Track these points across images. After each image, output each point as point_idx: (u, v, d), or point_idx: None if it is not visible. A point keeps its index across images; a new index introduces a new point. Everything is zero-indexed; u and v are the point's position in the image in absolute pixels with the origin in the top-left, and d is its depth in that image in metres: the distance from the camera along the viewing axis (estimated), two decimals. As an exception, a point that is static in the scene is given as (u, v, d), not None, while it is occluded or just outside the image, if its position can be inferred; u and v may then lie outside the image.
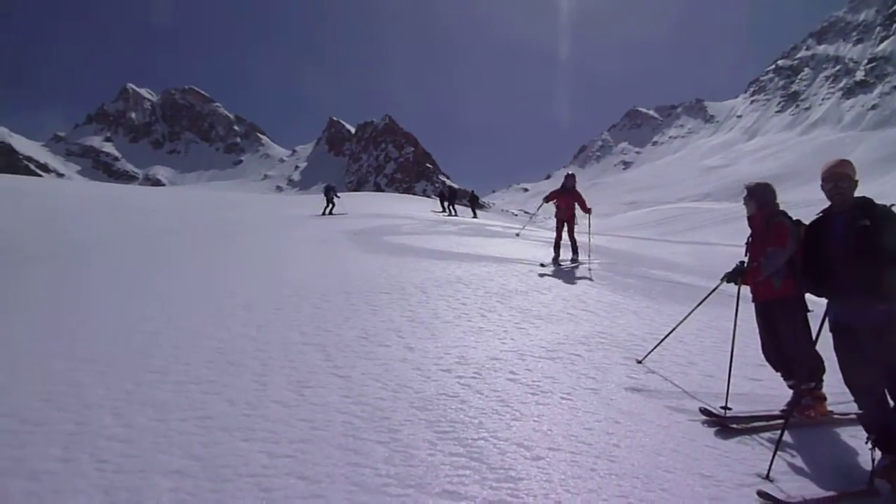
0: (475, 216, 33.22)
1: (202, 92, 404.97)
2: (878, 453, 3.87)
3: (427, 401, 4.62)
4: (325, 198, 27.40)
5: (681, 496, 3.48)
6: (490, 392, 4.84)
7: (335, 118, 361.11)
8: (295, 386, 4.89)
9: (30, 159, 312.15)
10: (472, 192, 37.12)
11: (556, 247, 12.67)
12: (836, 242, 3.89)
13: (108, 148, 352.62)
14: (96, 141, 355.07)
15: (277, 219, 23.50)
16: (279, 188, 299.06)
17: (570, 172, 13.45)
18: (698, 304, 6.26)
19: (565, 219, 12.57)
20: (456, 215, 30.67)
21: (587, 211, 12.61)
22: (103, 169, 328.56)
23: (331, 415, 4.35)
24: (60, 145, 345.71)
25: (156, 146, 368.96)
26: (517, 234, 13.10)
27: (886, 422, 3.80)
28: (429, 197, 37.45)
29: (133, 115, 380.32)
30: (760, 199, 5.19)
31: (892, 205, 3.85)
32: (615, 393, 5.06)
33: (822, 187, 4.05)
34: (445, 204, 32.82)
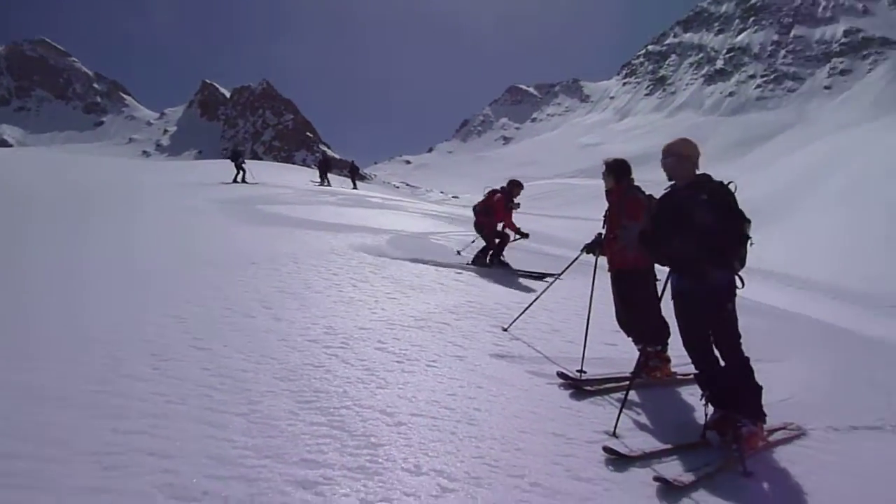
0: (355, 187, 32.88)
1: (56, 45, 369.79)
2: (710, 408, 4.23)
3: (291, 371, 4.52)
4: (233, 164, 25.28)
5: (534, 454, 3.64)
6: (357, 361, 4.81)
7: (208, 80, 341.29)
8: (151, 360, 4.62)
9: None
10: (353, 162, 36.66)
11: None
12: (678, 215, 4.16)
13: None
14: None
15: (143, 186, 22.07)
16: (146, 153, 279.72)
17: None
18: (559, 274, 6.57)
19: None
20: (329, 185, 29.84)
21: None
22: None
23: (188, 388, 4.15)
24: None
25: (1, 103, 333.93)
26: (458, 252, 10.76)
27: (717, 380, 4.15)
28: (308, 167, 36.46)
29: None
30: (618, 174, 5.48)
31: (729, 182, 4.16)
32: (480, 359, 5.20)
33: (664, 163, 4.30)
34: (326, 174, 31.92)
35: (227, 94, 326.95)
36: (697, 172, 4.27)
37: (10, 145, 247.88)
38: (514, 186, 10.23)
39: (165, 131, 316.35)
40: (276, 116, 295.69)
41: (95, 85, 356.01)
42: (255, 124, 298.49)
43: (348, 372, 4.58)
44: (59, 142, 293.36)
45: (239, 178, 24.62)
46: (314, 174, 34.04)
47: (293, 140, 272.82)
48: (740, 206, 4.15)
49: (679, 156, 4.29)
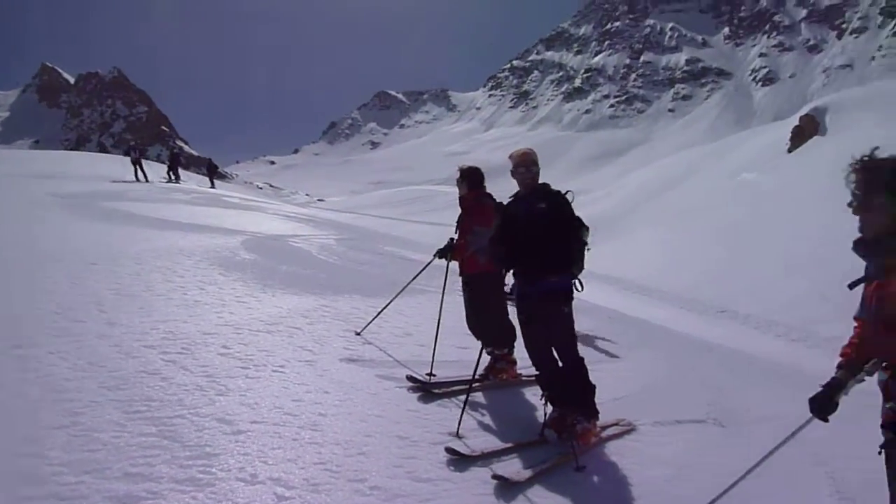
0: (213, 186, 31.44)
1: None
2: (549, 408, 4.45)
3: (122, 380, 4.21)
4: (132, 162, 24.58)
5: (377, 457, 3.64)
6: (197, 368, 4.57)
7: (49, 64, 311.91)
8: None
9: None
10: (210, 160, 35.04)
11: None
12: (520, 223, 4.34)
13: None
14: None
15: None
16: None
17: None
18: (413, 279, 6.60)
19: None
20: (176, 182, 27.85)
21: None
22: None
23: (1, 399, 3.76)
24: None
25: None
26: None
27: (555, 380, 4.36)
28: (163, 162, 34.22)
29: None
30: (471, 181, 5.63)
31: (567, 191, 4.40)
32: (330, 364, 5.12)
33: (514, 172, 4.47)
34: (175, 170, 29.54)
35: (72, 80, 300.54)
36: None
37: None
38: None
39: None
40: (127, 107, 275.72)
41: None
42: (103, 114, 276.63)
43: (186, 379, 4.34)
44: None
45: (140, 176, 23.87)
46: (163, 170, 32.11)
47: (146, 133, 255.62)
48: (578, 214, 4.40)
49: (537, 165, 4.49)
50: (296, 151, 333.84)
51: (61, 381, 4.12)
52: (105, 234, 9.77)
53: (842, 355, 2.92)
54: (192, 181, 33.57)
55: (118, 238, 9.57)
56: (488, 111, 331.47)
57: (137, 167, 24.68)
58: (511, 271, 4.54)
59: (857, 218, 2.63)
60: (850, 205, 2.62)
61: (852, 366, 2.84)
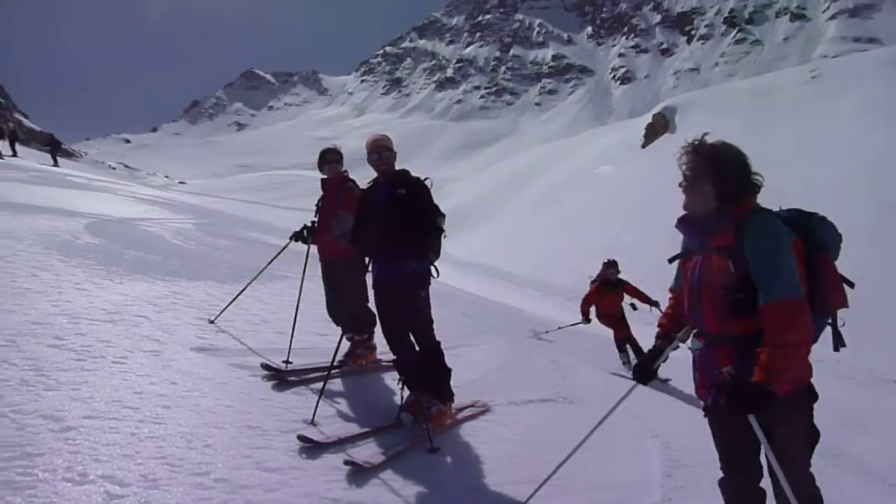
0: (56, 164, 28.90)
1: None
2: (407, 392, 4.49)
3: (-73, 378, 3.76)
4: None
5: (224, 449, 3.51)
6: (23, 361, 4.15)
7: None
8: None
9: None
10: (52, 135, 32.17)
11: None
12: (378, 208, 4.34)
13: None
14: None
15: None
16: None
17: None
18: (268, 263, 6.43)
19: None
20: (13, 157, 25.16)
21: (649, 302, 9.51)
22: None
23: None
24: None
25: None
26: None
27: (410, 364, 4.41)
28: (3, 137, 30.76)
29: None
30: (334, 165, 5.54)
31: (426, 178, 4.44)
32: (179, 354, 4.86)
33: (368, 159, 4.46)
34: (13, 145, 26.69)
35: None
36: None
37: None
38: (608, 267, 9.92)
39: None
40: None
41: None
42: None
43: (9, 373, 3.93)
44: None
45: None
46: (4, 146, 29.09)
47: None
48: (438, 203, 4.47)
49: (393, 151, 4.49)
50: (154, 130, 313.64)
51: None
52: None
53: (659, 325, 3.19)
54: (31, 158, 30.60)
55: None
56: (360, 97, 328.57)
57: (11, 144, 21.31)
58: (369, 256, 4.53)
59: (685, 196, 2.86)
60: (680, 185, 2.84)
61: (669, 334, 3.11)
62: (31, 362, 4.16)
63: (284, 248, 6.12)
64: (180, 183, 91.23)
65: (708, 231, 2.74)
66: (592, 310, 9.83)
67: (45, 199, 12.27)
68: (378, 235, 4.30)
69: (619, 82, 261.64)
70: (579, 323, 10.05)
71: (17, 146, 30.05)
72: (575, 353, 9.41)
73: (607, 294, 9.69)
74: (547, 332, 10.44)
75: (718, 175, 2.71)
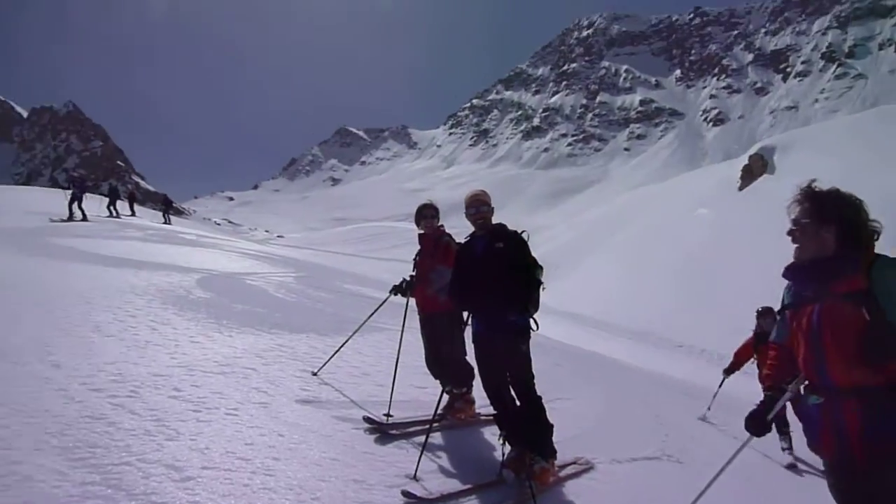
0: (168, 222, 30.99)
1: None
2: (508, 447, 4.44)
3: (66, 425, 4.05)
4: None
5: (331, 502, 3.56)
6: (146, 411, 4.43)
7: (1, 97, 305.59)
8: None
9: None
10: (166, 196, 34.65)
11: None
12: (477, 262, 4.39)
13: None
14: None
15: None
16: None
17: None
18: (369, 317, 6.55)
19: None
20: (117, 216, 26.60)
21: None
22: None
23: (-68, 449, 3.58)
24: None
25: None
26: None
27: (513, 420, 4.36)
28: (119, 197, 33.34)
29: None
30: (430, 220, 5.66)
31: (523, 231, 4.47)
32: (285, 406, 5.02)
33: (466, 213, 4.54)
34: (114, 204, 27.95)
35: (24, 114, 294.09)
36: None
37: None
38: (763, 316, 8.37)
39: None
40: (82, 142, 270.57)
41: None
42: (56, 149, 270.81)
43: (134, 423, 4.20)
44: None
45: (77, 211, 21.70)
46: (124, 207, 31.54)
47: (101, 168, 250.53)
48: (534, 254, 4.47)
49: (490, 205, 4.57)
50: (255, 187, 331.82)
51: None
52: (52, 272, 9.50)
53: (766, 378, 3.04)
54: (147, 217, 33.01)
55: (67, 275, 9.30)
56: (448, 149, 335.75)
57: (76, 202, 21.89)
58: (468, 310, 4.57)
59: (796, 246, 2.75)
60: (789, 233, 2.74)
61: (779, 385, 2.96)
62: (153, 413, 4.42)
63: (384, 301, 6.26)
64: (279, 237, 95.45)
65: (831, 277, 2.62)
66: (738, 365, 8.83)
67: (160, 255, 13.15)
68: (477, 289, 4.34)
69: (711, 124, 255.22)
70: (723, 381, 9.14)
71: (136, 206, 32.60)
72: (678, 407, 9.02)
73: (761, 348, 8.37)
74: (709, 409, 9.08)
75: (840, 222, 2.61)
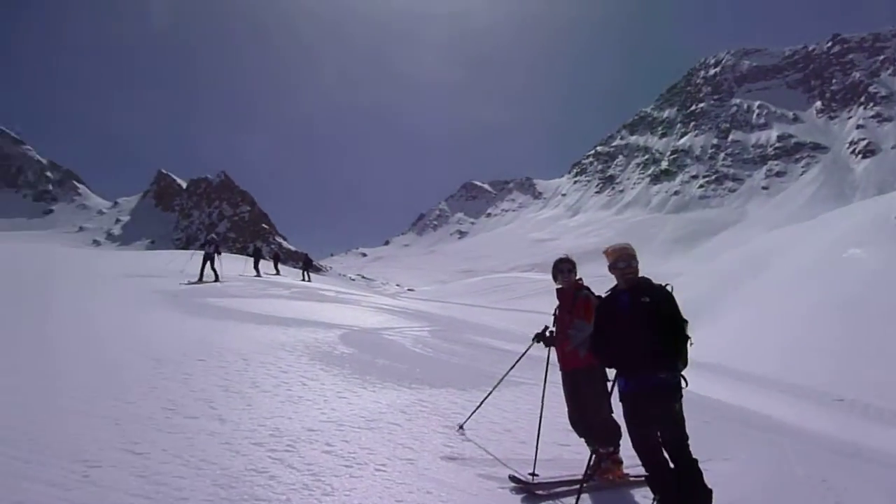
0: (308, 279, 32.76)
1: (10, 132, 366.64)
2: (662, 512, 4.20)
3: (233, 478, 4.32)
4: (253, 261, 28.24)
5: (484, 566, 3.52)
6: (303, 466, 4.64)
7: (165, 171, 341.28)
8: (79, 465, 4.37)
9: None
10: (307, 255, 36.84)
11: None
12: (623, 318, 4.27)
13: None
14: None
15: (92, 277, 21.41)
16: (97, 242, 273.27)
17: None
18: (512, 367, 6.50)
19: None
20: (259, 276, 27.89)
21: None
22: None
23: (118, 497, 3.92)
24: None
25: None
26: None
27: (668, 483, 4.13)
28: (263, 257, 35.76)
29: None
30: (567, 274, 5.60)
31: (667, 284, 4.32)
32: (431, 463, 5.07)
33: (615, 267, 4.44)
34: (259, 265, 29.35)
35: (184, 185, 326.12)
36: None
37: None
38: None
39: (118, 220, 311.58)
40: (232, 208, 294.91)
41: (48, 173, 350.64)
42: (210, 215, 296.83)
43: (293, 477, 4.41)
44: (6, 229, 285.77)
45: (209, 272, 21.95)
46: (269, 266, 33.83)
47: (248, 232, 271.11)
48: (679, 307, 4.30)
49: (637, 260, 4.47)
50: (386, 243, 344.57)
51: (175, 479, 4.26)
52: (209, 330, 10.27)
53: None
54: (290, 275, 35.12)
55: (222, 334, 10.04)
56: (573, 197, 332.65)
57: (209, 263, 21.85)
58: (614, 367, 4.44)
59: None
60: None
61: None
62: (310, 468, 4.62)
63: (527, 350, 6.16)
64: (409, 290, 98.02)
65: None
66: None
67: (305, 312, 13.90)
68: (624, 345, 4.22)
69: (860, 156, 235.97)
70: None
71: (280, 265, 34.89)
72: (846, 469, 8.16)
73: None
74: None
75: None
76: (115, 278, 19.39)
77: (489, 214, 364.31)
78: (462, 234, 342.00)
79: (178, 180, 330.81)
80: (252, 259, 30.21)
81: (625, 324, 4.24)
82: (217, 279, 21.30)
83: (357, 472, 4.66)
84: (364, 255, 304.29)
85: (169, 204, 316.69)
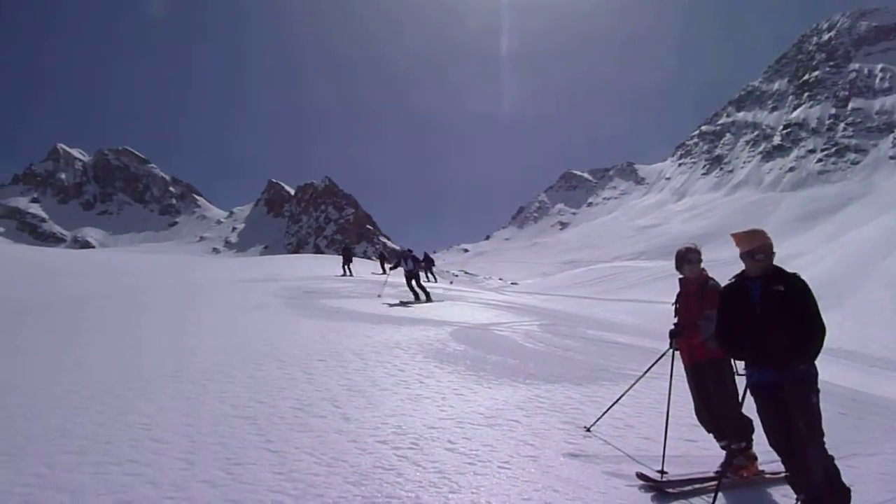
0: (349, 273, 33.19)
1: (137, 153, 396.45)
2: (806, 512, 3.95)
3: (363, 475, 4.47)
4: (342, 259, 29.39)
5: (619, 567, 3.45)
6: (428, 463, 4.72)
7: (274, 180, 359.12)
8: (224, 463, 4.65)
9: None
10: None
11: None
12: (754, 307, 4.05)
13: (35, 209, 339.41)
14: (22, 202, 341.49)
15: (216, 282, 22.82)
16: (216, 250, 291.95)
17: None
18: (647, 370, 6.24)
19: None
20: (350, 275, 29.05)
21: None
22: (28, 231, 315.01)
23: (261, 494, 4.14)
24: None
25: (86, 207, 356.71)
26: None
27: (811, 482, 3.88)
28: (369, 258, 36.77)
29: (63, 175, 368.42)
30: (693, 263, 5.37)
31: (796, 273, 4.07)
32: (554, 460, 5.02)
33: (748, 255, 4.19)
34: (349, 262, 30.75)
35: (292, 192, 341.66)
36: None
37: (93, 246, 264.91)
38: None
39: (234, 229, 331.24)
40: (337, 211, 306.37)
41: (171, 188, 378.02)
42: (317, 219, 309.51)
43: (420, 475, 4.50)
44: (137, 242, 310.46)
45: (348, 272, 27.43)
46: (376, 266, 34.73)
47: (354, 233, 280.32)
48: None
49: (773, 249, 4.22)
50: (487, 238, 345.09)
51: (309, 476, 4.45)
52: (327, 331, 10.66)
53: None
54: (395, 274, 35.86)
55: (339, 334, 10.41)
56: (679, 180, 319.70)
57: (348, 264, 27.68)
58: (745, 359, 4.22)
59: None
60: None
61: None
62: (434, 465, 4.69)
63: (664, 354, 5.86)
64: (513, 284, 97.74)
65: None
66: None
67: (415, 311, 14.16)
68: (757, 336, 4.00)
69: None
70: None
71: (386, 264, 35.69)
72: None
73: None
74: None
75: None
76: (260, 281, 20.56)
77: (590, 203, 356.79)
78: (563, 225, 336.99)
79: (287, 187, 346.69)
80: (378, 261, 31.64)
81: (756, 313, 4.02)
82: (350, 274, 26.54)
83: (481, 469, 4.68)
84: (466, 250, 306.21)
85: (279, 210, 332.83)
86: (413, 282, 18.11)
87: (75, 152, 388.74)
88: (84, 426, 5.56)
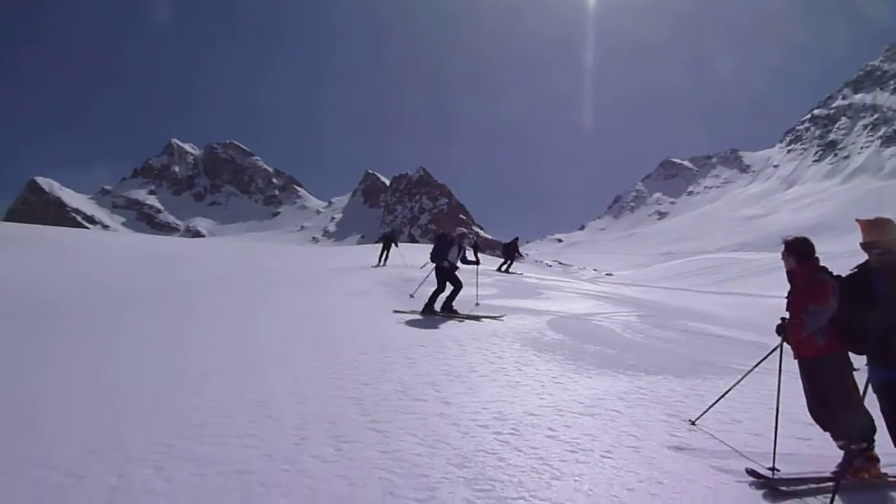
0: (510, 267, 33.14)
1: (242, 146, 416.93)
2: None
3: (465, 458, 4.56)
4: (382, 246, 25.88)
5: (730, 563, 3.36)
6: (528, 449, 4.76)
7: (371, 171, 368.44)
8: (333, 441, 4.87)
9: (77, 211, 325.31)
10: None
11: None
12: (878, 302, 3.81)
13: (152, 201, 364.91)
14: (141, 194, 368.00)
15: (317, 271, 23.66)
16: (315, 239, 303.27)
17: None
18: (755, 365, 5.98)
19: None
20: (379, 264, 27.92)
21: None
22: (147, 221, 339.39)
23: (368, 471, 4.32)
24: (107, 198, 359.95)
25: (197, 199, 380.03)
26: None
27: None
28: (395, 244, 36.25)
29: (177, 168, 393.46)
30: (799, 254, 5.10)
31: None
32: (657, 452, 4.93)
33: (868, 248, 3.96)
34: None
35: (387, 182, 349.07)
36: None
37: (203, 235, 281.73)
38: None
39: (332, 219, 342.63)
40: (431, 201, 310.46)
41: (274, 180, 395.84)
42: (412, 209, 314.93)
43: (521, 461, 4.54)
44: (243, 231, 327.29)
45: (383, 260, 24.35)
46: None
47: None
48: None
49: None
50: (582, 228, 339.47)
51: (413, 456, 4.59)
52: (426, 318, 10.86)
53: None
54: (489, 263, 35.98)
55: (436, 321, 10.62)
56: (787, 168, 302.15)
57: (386, 252, 24.37)
58: (867, 354, 3.99)
59: None
60: None
61: None
62: (535, 451, 4.72)
63: (774, 349, 5.62)
64: (608, 275, 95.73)
65: None
66: None
67: (510, 302, 14.17)
68: (882, 331, 3.77)
69: None
70: None
71: (479, 254, 35.74)
72: None
73: None
74: None
75: None
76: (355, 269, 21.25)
77: (691, 192, 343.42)
78: (661, 214, 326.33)
79: (382, 178, 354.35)
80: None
81: (881, 308, 3.79)
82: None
83: (583, 457, 4.67)
84: (559, 240, 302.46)
85: (375, 200, 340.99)
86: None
87: (187, 147, 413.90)
88: (203, 401, 5.95)
